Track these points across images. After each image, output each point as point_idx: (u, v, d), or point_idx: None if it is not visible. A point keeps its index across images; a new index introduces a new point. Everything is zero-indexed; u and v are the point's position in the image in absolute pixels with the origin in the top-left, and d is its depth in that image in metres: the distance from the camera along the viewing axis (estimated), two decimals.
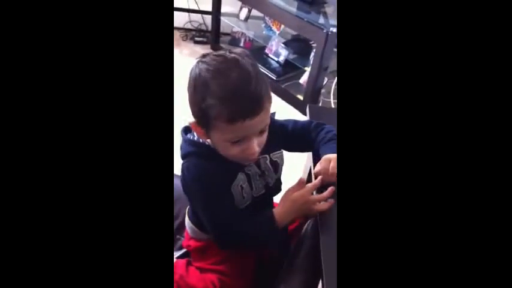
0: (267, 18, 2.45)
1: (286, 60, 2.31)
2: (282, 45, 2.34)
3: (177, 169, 0.71)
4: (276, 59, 2.36)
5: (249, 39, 2.56)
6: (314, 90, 2.00)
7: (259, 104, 0.66)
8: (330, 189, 0.73)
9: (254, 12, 2.43)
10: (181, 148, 0.79)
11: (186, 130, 0.81)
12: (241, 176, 0.78)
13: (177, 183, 0.73)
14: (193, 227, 0.86)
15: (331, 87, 2.13)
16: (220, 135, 0.69)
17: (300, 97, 2.10)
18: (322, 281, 0.60)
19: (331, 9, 2.07)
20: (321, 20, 1.92)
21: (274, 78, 2.23)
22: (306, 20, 1.90)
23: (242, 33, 2.56)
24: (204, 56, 0.70)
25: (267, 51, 2.40)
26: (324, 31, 1.81)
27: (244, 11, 2.48)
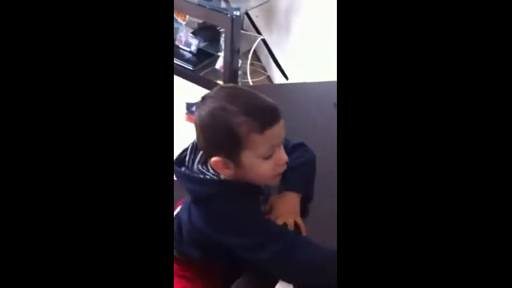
0: None
1: (199, 49, 2.34)
2: (191, 34, 2.36)
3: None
4: (187, 49, 2.37)
5: None
6: (231, 74, 2.06)
7: (277, 111, 0.75)
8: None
9: None
10: (191, 191, 0.79)
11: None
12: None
13: None
14: None
15: (246, 68, 2.21)
16: (253, 153, 0.74)
17: (220, 82, 2.16)
18: None
19: None
20: (223, 5, 1.98)
21: (191, 68, 2.26)
22: (208, 7, 1.94)
23: None
24: (203, 99, 0.75)
25: (177, 43, 2.40)
26: (228, 15, 1.87)
27: None
